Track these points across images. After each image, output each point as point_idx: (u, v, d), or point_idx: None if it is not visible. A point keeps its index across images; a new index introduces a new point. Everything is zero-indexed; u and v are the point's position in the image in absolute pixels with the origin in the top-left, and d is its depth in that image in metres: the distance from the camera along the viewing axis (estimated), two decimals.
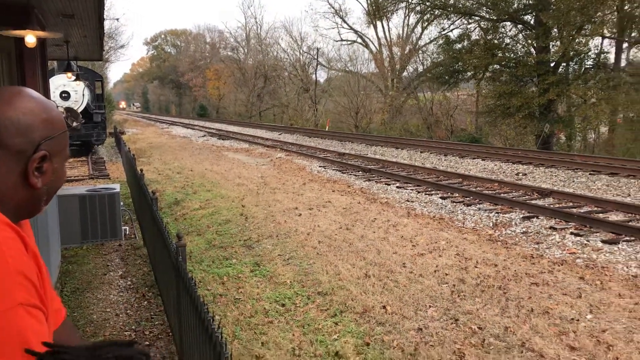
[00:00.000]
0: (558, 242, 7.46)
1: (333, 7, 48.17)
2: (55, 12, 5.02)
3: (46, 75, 6.20)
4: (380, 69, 43.60)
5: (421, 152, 19.32)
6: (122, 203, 9.28)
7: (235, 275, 6.27)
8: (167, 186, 12.93)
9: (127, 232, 8.80)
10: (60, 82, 19.85)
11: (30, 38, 4.08)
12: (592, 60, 23.87)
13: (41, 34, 4.11)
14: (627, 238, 7.41)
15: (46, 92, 6.07)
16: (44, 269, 1.04)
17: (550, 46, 24.16)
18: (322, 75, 52.46)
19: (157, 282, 5.99)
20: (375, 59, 44.28)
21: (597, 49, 23.80)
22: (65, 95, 20.67)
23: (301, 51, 52.76)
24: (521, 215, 8.93)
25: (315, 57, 48.64)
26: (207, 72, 71.37)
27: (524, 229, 8.21)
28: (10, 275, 0.91)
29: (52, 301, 1.22)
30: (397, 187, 12.22)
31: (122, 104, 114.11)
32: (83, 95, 20.90)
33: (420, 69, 38.44)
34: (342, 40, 48.14)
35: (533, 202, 9.90)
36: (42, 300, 0.97)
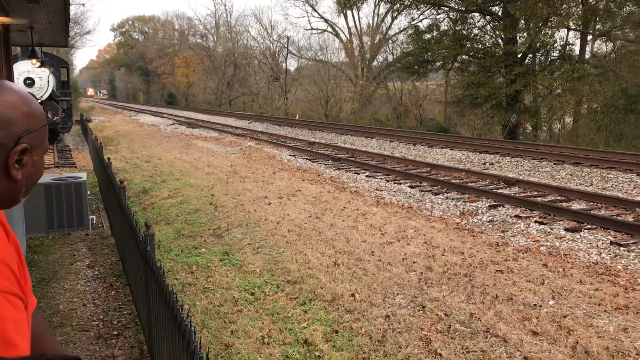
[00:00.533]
0: (523, 231, 7.64)
1: None
2: None
3: (10, 62, 6.05)
4: (351, 59, 43.64)
5: (390, 142, 19.47)
6: (89, 192, 9.15)
7: (205, 265, 6.26)
8: (135, 175, 12.77)
9: (95, 222, 8.68)
10: (24, 68, 19.33)
11: None
12: (557, 51, 24.35)
13: (4, 19, 4.01)
14: (589, 226, 7.63)
15: (10, 79, 5.93)
16: (22, 258, 1.05)
17: (518, 37, 24.53)
18: (292, 64, 52.32)
19: (125, 271, 5.94)
20: (345, 48, 44.29)
21: (563, 41, 24.31)
22: (29, 82, 20.14)
23: (271, 39, 52.45)
24: (487, 204, 9.11)
25: (286, 45, 48.42)
26: (176, 60, 70.40)
27: (490, 218, 8.38)
28: None
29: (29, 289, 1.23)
30: (367, 176, 12.31)
31: (90, 91, 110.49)
32: (48, 82, 20.40)
33: (390, 58, 38.67)
34: (312, 29, 48.02)
35: (499, 191, 10.10)
36: (22, 289, 0.98)
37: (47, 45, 11.52)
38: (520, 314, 4.73)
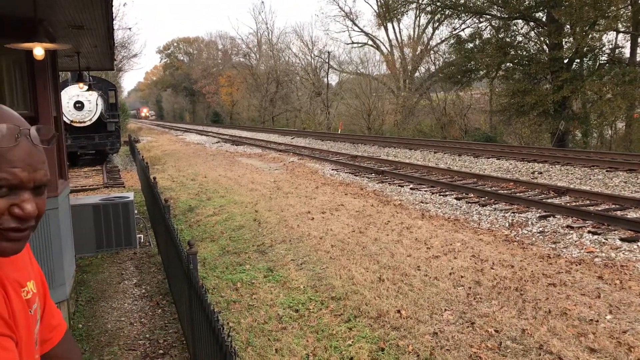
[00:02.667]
0: (575, 242, 7.35)
1: (343, 10, 48.26)
2: (65, 23, 5.04)
3: (57, 87, 6.23)
4: (392, 71, 43.48)
5: (435, 153, 19.20)
6: (136, 211, 9.32)
7: (249, 281, 6.25)
8: (182, 193, 12.97)
9: (142, 240, 8.83)
10: (73, 92, 20.04)
11: (39, 50, 4.09)
12: (606, 55, 23.58)
13: (49, 45, 4.12)
14: None
15: (57, 104, 6.10)
16: (29, 291, 1.00)
17: (564, 43, 23.91)
18: (333, 79, 52.50)
19: (171, 290, 5.99)
20: (386, 61, 44.17)
21: (612, 44, 23.54)
22: (79, 106, 20.87)
23: (312, 55, 52.87)
24: (537, 215, 8.82)
25: (327, 60, 48.68)
26: (220, 79, 71.74)
27: (540, 229, 8.10)
28: None
29: (50, 317, 1.19)
30: (411, 188, 12.14)
31: (144, 112, 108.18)
32: (97, 104, 21.08)
33: (432, 69, 38.32)
34: (353, 43, 48.28)
35: (549, 201, 9.78)
36: (10, 327, 0.93)
37: (93, 69, 11.86)
38: (576, 329, 4.51)
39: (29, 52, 4.66)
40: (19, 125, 1.00)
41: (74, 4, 4.30)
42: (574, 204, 9.55)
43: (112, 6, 4.86)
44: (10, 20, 4.35)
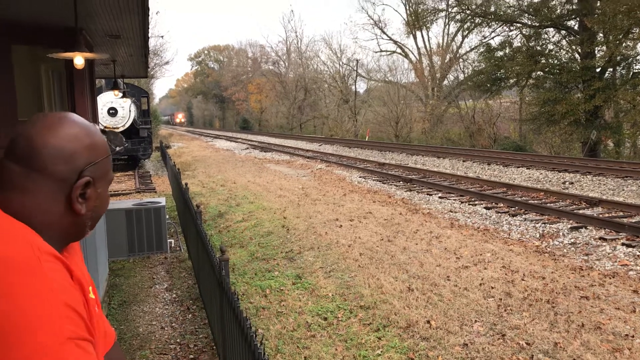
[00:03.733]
0: (609, 254, 7.21)
1: (372, 19, 48.34)
2: (102, 33, 5.18)
3: (94, 94, 6.40)
4: (420, 78, 43.35)
5: (463, 161, 19.05)
6: (167, 216, 9.46)
7: (278, 288, 6.28)
8: (212, 199, 13.11)
9: (173, 245, 8.96)
10: (107, 99, 20.47)
11: (79, 60, 4.22)
12: None
13: (89, 55, 4.24)
14: None
15: (94, 110, 6.27)
16: (90, 294, 1.04)
17: (596, 51, 23.53)
18: (361, 86, 52.47)
19: (201, 295, 6.06)
20: (415, 69, 44.07)
21: None
22: (112, 112, 21.29)
23: (341, 63, 53.04)
24: (569, 226, 8.68)
25: (355, 68, 48.76)
26: (249, 86, 72.41)
27: (572, 240, 7.98)
28: (59, 310, 0.91)
29: (102, 324, 1.23)
30: (440, 197, 12.07)
31: (179, 117, 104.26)
32: (130, 111, 21.47)
33: (461, 77, 38.06)
34: (381, 51, 48.38)
35: (581, 211, 9.62)
36: (90, 331, 0.96)
37: (128, 76, 12.12)
38: (610, 344, 4.43)
39: (69, 61, 4.80)
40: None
41: (113, 14, 4.42)
42: (606, 215, 9.38)
43: (149, 16, 4.98)
44: (52, 30, 4.50)
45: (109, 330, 1.22)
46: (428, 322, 4.97)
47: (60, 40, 4.48)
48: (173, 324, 5.55)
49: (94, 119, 6.34)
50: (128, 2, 4.09)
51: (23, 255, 0.94)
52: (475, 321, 4.97)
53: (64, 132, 1.06)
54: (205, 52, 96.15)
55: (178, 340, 5.13)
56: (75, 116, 1.11)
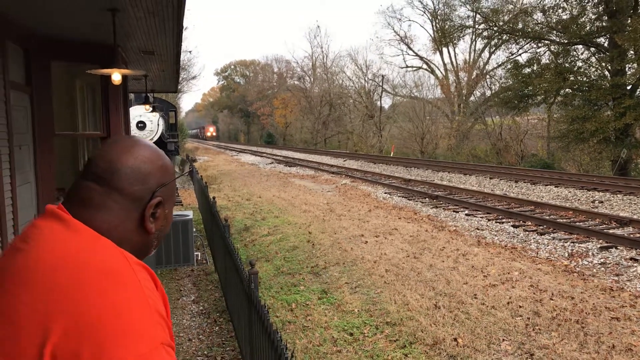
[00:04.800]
0: None
1: (398, 35, 48.35)
2: (137, 49, 5.33)
3: (127, 108, 6.57)
4: (447, 95, 43.23)
5: (490, 179, 18.89)
6: (194, 229, 9.57)
7: (303, 303, 6.30)
8: (237, 213, 13.22)
9: (199, 258, 9.04)
10: (136, 112, 20.84)
11: (117, 76, 4.35)
12: None
13: (126, 71, 4.37)
14: None
15: (127, 124, 6.42)
16: (168, 307, 1.10)
17: (627, 68, 23.21)
18: (386, 102, 52.51)
19: (228, 308, 6.11)
20: (441, 85, 43.99)
21: None
22: (141, 126, 21.67)
23: (366, 79, 53.18)
24: (598, 245, 8.55)
25: (380, 84, 48.85)
26: (275, 101, 72.99)
27: (602, 260, 7.85)
28: (152, 316, 0.97)
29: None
30: (466, 214, 11.98)
31: (210, 131, 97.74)
32: (158, 125, 21.84)
33: (488, 93, 37.88)
34: (407, 67, 48.22)
35: (611, 231, 9.46)
36: (172, 337, 1.02)
37: (158, 91, 12.37)
38: None
39: (104, 76, 4.95)
40: None
41: (149, 32, 4.55)
42: (638, 235, 9.21)
43: (182, 33, 5.11)
44: (91, 46, 4.64)
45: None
46: (455, 339, 4.94)
47: (97, 57, 4.63)
48: (200, 336, 5.61)
49: (127, 132, 6.50)
50: (164, 23, 4.22)
51: (120, 264, 1.00)
52: (503, 340, 4.93)
53: (140, 154, 1.14)
54: (232, 67, 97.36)
55: (205, 352, 5.18)
56: (146, 141, 1.21)
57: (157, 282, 1.08)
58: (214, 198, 8.37)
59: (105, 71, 4.23)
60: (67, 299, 0.94)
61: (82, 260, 0.98)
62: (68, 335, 0.91)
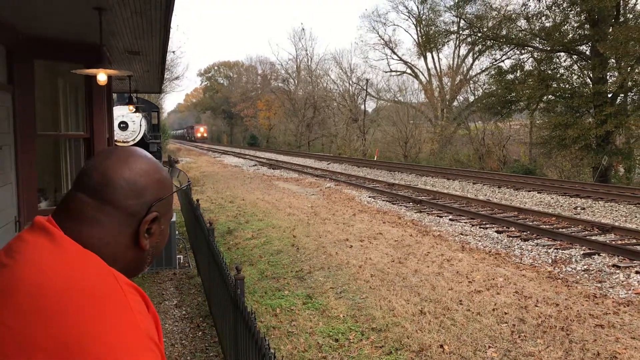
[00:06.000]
0: (622, 282, 7.14)
1: (383, 39, 48.44)
2: (123, 49, 5.24)
3: (111, 108, 6.46)
4: (430, 99, 43.46)
5: (474, 184, 19.00)
6: (177, 232, 9.46)
7: (288, 308, 6.25)
8: (220, 215, 13.11)
9: (182, 261, 8.93)
10: (118, 113, 20.57)
11: (102, 76, 4.26)
12: None
13: (111, 72, 4.29)
14: None
15: (110, 125, 6.32)
16: (160, 327, 1.04)
17: (608, 77, 23.52)
18: (370, 105, 52.58)
19: (211, 312, 6.03)
20: (425, 89, 44.21)
21: None
22: (123, 126, 21.41)
23: (350, 82, 53.23)
24: (582, 252, 8.62)
25: (365, 87, 48.95)
26: (258, 103, 72.76)
27: (585, 267, 7.91)
28: (143, 341, 0.91)
29: None
30: (450, 219, 12.02)
31: (201, 131, 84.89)
32: (140, 125, 21.59)
33: (471, 99, 38.15)
34: (391, 71, 48.36)
35: (594, 238, 9.55)
36: (164, 357, 0.96)
37: (142, 91, 12.22)
38: None
39: (89, 77, 4.85)
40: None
41: (136, 32, 4.47)
42: (619, 242, 9.30)
43: (170, 33, 5.03)
44: (75, 46, 4.55)
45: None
46: (441, 346, 4.92)
47: (81, 56, 4.54)
48: (183, 341, 5.52)
49: (110, 133, 6.39)
50: (152, 23, 4.14)
51: (110, 287, 0.94)
52: (489, 347, 4.92)
53: (137, 166, 1.07)
54: (215, 67, 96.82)
55: (188, 357, 5.10)
56: (143, 151, 1.13)
57: (149, 303, 1.01)
58: (197, 201, 8.28)
59: (91, 71, 4.14)
60: (51, 325, 0.87)
61: (69, 282, 0.92)
62: None
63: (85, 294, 0.91)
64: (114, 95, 21.06)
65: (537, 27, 26.34)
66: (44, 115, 6.01)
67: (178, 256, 8.91)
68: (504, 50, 29.90)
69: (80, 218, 1.02)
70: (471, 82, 39.66)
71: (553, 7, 25.34)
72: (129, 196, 1.04)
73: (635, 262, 7.93)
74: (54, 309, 0.89)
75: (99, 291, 0.92)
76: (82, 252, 0.97)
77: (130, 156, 1.09)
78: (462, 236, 10.26)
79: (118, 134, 21.44)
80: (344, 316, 5.87)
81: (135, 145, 21.90)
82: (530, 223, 11.09)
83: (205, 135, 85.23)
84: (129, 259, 1.06)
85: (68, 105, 6.58)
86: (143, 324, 0.93)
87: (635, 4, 23.25)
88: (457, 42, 38.64)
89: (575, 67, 25.82)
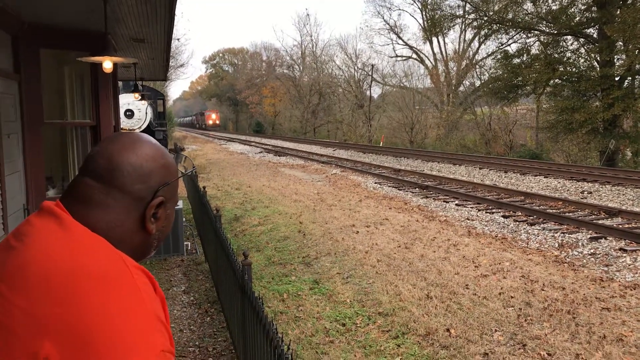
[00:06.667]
0: (629, 265, 7.14)
1: (388, 24, 48.11)
2: (128, 37, 5.24)
3: (117, 96, 6.48)
4: (436, 84, 43.23)
5: (480, 169, 18.96)
6: (184, 219, 9.50)
7: (295, 293, 6.29)
8: (227, 202, 13.16)
9: (189, 248, 8.99)
10: (124, 101, 20.62)
11: (108, 64, 4.27)
12: None
13: (117, 59, 4.29)
14: None
15: (117, 113, 6.34)
16: (167, 309, 1.05)
17: (615, 60, 23.31)
18: (376, 91, 52.38)
19: (219, 298, 6.08)
20: (430, 75, 43.96)
21: None
22: (129, 114, 21.46)
23: (356, 68, 52.97)
24: (588, 236, 8.61)
25: (370, 73, 48.73)
26: (264, 90, 72.55)
27: (591, 250, 7.91)
28: (152, 323, 0.92)
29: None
30: (456, 204, 12.02)
31: (213, 117, 79.75)
32: (146, 113, 21.64)
33: (478, 83, 37.92)
34: (397, 56, 48.10)
35: (600, 222, 9.53)
36: (172, 343, 0.98)
37: (147, 79, 12.22)
38: (633, 356, 4.38)
39: (94, 64, 4.86)
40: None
41: (141, 20, 4.47)
42: (626, 226, 9.28)
43: (174, 21, 5.03)
44: (81, 34, 4.55)
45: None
46: (447, 330, 4.95)
47: (87, 44, 4.54)
48: (191, 327, 5.58)
49: (116, 121, 6.41)
50: (156, 9, 4.14)
51: (117, 269, 0.95)
52: (496, 330, 4.94)
53: (143, 151, 1.09)
54: (220, 55, 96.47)
55: (197, 343, 5.15)
56: (149, 137, 1.15)
57: (157, 286, 1.02)
58: (204, 188, 8.31)
59: (97, 59, 4.15)
60: (61, 307, 0.89)
61: (78, 265, 0.93)
62: (63, 346, 0.86)
63: (93, 277, 0.92)
64: (120, 83, 21.12)
65: (544, 10, 26.09)
66: (50, 103, 6.03)
67: (185, 243, 8.96)
68: (510, 34, 29.67)
69: (87, 202, 1.04)
70: (477, 66, 39.41)
71: None
72: (135, 180, 1.06)
73: None
74: (63, 291, 0.90)
75: (107, 274, 0.93)
76: (90, 236, 0.99)
77: (136, 141, 1.10)
78: (468, 221, 10.26)
79: (124, 122, 21.48)
80: (350, 301, 5.91)
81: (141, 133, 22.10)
82: (537, 207, 11.08)
83: (217, 122, 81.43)
84: (136, 243, 1.08)
85: (74, 93, 6.60)
86: (151, 305, 0.94)
87: None
88: (463, 26, 38.33)
89: (582, 50, 25.60)
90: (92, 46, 4.27)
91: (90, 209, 1.03)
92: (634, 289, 6.15)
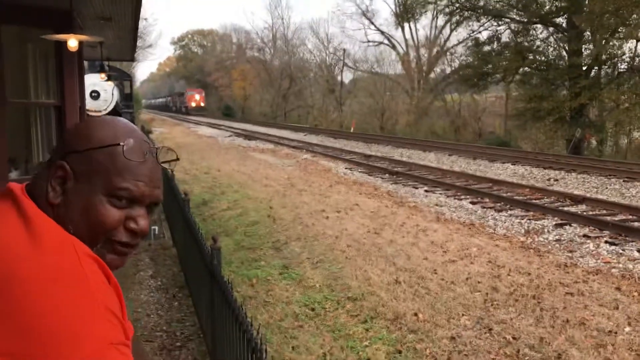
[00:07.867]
0: (592, 251, 7.31)
1: (360, 8, 47.92)
2: (94, 15, 5.08)
3: (83, 76, 6.31)
4: (407, 71, 43.36)
5: (449, 155, 19.15)
6: None
7: (264, 278, 6.27)
8: (195, 186, 13.01)
9: (157, 232, 8.86)
10: (89, 81, 20.04)
11: (73, 42, 4.13)
12: (626, 64, 23.37)
13: (83, 37, 4.16)
14: None
15: (82, 93, 6.17)
16: (122, 299, 0.99)
17: (583, 49, 23.73)
18: (347, 76, 52.30)
19: (187, 283, 6.02)
20: (402, 61, 44.04)
21: (632, 53, 23.31)
22: (95, 95, 20.92)
23: (327, 52, 52.82)
24: (554, 223, 8.78)
25: (342, 58, 48.64)
26: (233, 73, 71.69)
27: (556, 237, 8.07)
28: (100, 313, 0.85)
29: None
30: (425, 190, 12.12)
31: (197, 98, 69.60)
32: (112, 94, 21.14)
33: (448, 70, 38.21)
34: (368, 41, 47.99)
35: (566, 209, 9.73)
36: (126, 334, 0.92)
37: (114, 59, 11.95)
38: (594, 340, 4.49)
39: (59, 42, 4.70)
40: (147, 142, 1.04)
41: None
42: (590, 213, 9.49)
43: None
44: (45, 11, 4.39)
45: (130, 326, 1.19)
46: (415, 314, 5.00)
47: (51, 22, 4.39)
48: (159, 312, 5.51)
49: (82, 101, 6.24)
50: None
51: (65, 258, 0.88)
52: (463, 315, 5.01)
53: (92, 121, 1.03)
54: (189, 36, 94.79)
55: (164, 328, 5.09)
56: (118, 118, 1.07)
57: (110, 275, 0.94)
58: (172, 171, 8.17)
59: (61, 37, 4.01)
60: (3, 297, 0.82)
61: (24, 252, 0.86)
62: (5, 339, 0.80)
63: (39, 264, 0.85)
64: (85, 63, 20.59)
65: None
66: (13, 82, 5.83)
67: (153, 227, 8.83)
68: (481, 21, 29.88)
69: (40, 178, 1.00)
70: (448, 53, 39.64)
71: None
72: (59, 145, 1.00)
73: (604, 232, 8.11)
74: (7, 280, 0.83)
75: (54, 262, 0.86)
76: (43, 220, 0.92)
77: (105, 118, 1.04)
78: (437, 207, 10.36)
79: (90, 103, 20.95)
80: (320, 286, 5.91)
81: (108, 115, 21.50)
82: (504, 194, 11.25)
83: (202, 104, 70.11)
84: (76, 222, 0.96)
85: (38, 72, 6.39)
86: (100, 294, 0.87)
87: None
88: (435, 12, 38.41)
89: (552, 39, 25.99)
90: (57, 24, 4.12)
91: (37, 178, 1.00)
92: (596, 275, 6.30)
